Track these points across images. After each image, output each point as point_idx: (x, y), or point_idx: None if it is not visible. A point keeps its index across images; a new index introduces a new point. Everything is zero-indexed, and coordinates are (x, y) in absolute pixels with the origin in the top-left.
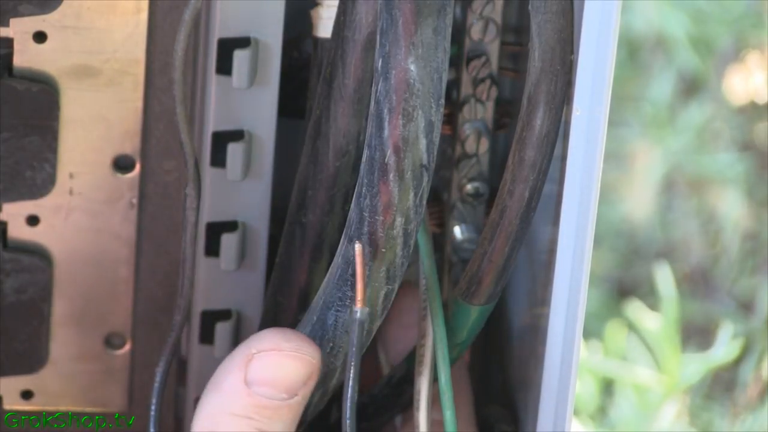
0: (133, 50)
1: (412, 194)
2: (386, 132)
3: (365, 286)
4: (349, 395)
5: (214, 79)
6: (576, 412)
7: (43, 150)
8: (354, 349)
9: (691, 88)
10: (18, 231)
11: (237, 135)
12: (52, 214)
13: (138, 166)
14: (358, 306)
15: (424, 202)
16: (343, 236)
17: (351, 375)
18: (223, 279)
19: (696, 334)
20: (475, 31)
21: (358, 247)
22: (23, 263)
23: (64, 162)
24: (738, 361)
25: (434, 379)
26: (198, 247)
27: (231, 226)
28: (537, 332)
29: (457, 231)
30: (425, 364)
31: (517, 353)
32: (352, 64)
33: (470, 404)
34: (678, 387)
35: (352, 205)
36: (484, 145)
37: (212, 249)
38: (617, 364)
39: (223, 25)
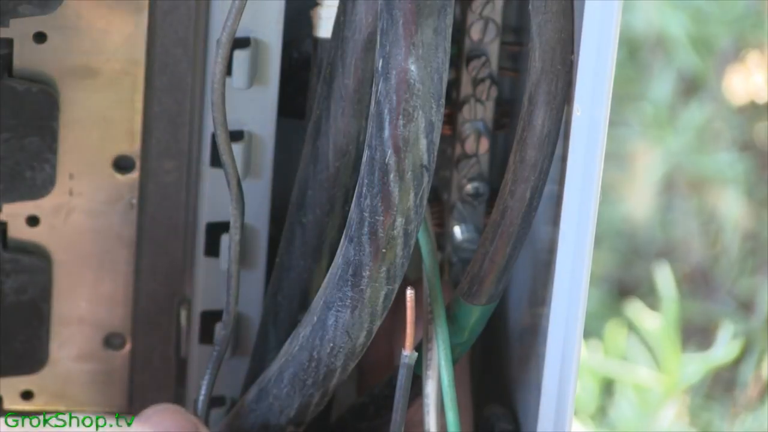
0: (133, 50)
1: (412, 194)
2: (387, 132)
3: (414, 331)
4: None
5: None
6: (576, 412)
7: (43, 150)
8: (401, 391)
9: (691, 88)
10: (18, 231)
11: (237, 135)
12: (52, 214)
13: (138, 167)
14: (407, 351)
15: (425, 202)
16: (343, 236)
17: (398, 418)
18: (223, 279)
19: (696, 334)
20: (475, 31)
21: (409, 293)
22: (23, 263)
23: (64, 162)
24: (738, 361)
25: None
26: (198, 248)
27: None
28: (537, 332)
29: (457, 231)
30: (433, 368)
31: (517, 353)
32: (352, 64)
33: (470, 406)
34: (678, 387)
35: (353, 206)
36: (484, 145)
37: (212, 249)
38: (617, 364)
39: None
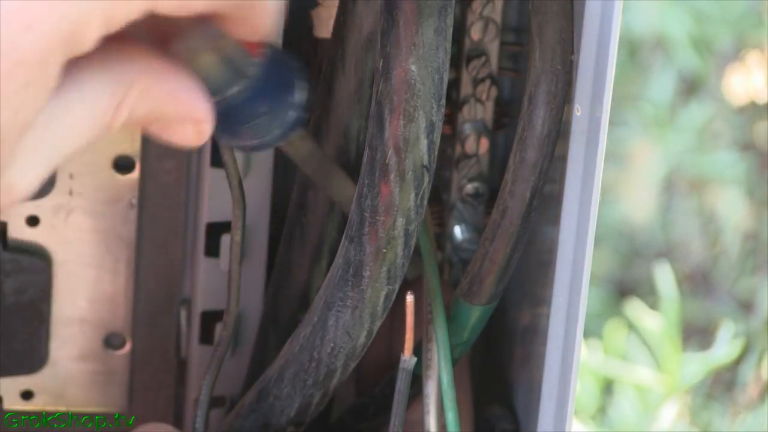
0: None
1: (413, 195)
2: (387, 132)
3: (413, 336)
4: None
5: None
6: (576, 412)
7: None
8: (400, 395)
9: (691, 88)
10: (18, 231)
11: None
12: (52, 214)
13: (138, 167)
14: (407, 355)
15: (425, 202)
16: (343, 236)
17: (397, 421)
18: (223, 279)
19: (696, 334)
20: (475, 31)
21: (409, 298)
22: (23, 264)
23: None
24: (738, 361)
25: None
26: (198, 248)
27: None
28: (537, 332)
29: (457, 231)
30: (433, 368)
31: (517, 353)
32: (352, 64)
33: (470, 406)
34: (678, 387)
35: (353, 206)
36: (484, 145)
37: (212, 249)
38: (617, 364)
39: None
